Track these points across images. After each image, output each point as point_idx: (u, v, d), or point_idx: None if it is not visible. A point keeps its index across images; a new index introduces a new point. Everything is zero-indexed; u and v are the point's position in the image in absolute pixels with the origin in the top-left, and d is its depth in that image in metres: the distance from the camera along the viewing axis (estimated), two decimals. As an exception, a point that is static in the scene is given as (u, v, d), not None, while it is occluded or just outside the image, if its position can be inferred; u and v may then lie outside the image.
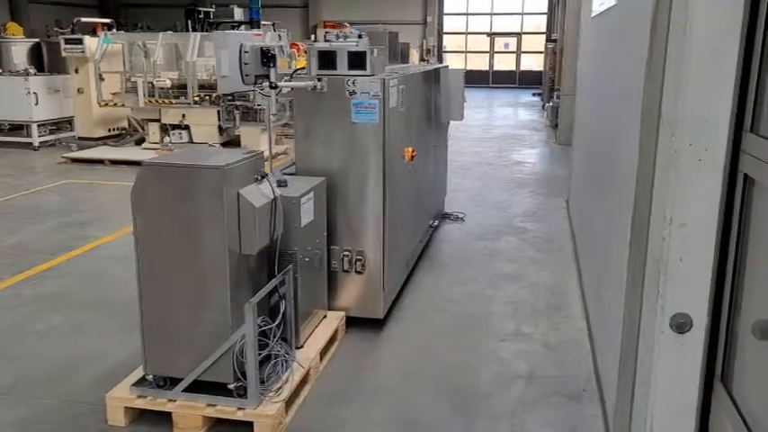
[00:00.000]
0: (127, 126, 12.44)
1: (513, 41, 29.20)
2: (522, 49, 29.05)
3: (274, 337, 3.45)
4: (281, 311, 3.50)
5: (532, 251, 6.28)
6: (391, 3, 31.23)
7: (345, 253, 4.32)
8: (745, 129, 2.05)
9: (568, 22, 12.48)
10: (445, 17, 29.46)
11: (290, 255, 3.63)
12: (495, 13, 29.14)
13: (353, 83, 4.10)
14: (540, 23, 28.52)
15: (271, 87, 4.10)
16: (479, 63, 29.53)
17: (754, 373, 2.07)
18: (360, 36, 5.61)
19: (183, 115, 10.98)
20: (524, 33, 28.93)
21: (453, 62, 26.63)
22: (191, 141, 11.09)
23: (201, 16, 19.21)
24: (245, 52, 4.03)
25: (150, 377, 3.35)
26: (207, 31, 17.24)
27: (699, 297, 2.24)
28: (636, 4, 3.35)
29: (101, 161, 10.74)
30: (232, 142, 11.20)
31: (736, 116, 2.09)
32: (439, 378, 3.88)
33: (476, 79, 28.58)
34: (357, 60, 4.13)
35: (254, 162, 3.35)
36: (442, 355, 4.17)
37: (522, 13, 28.83)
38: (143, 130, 11.62)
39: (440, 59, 26.61)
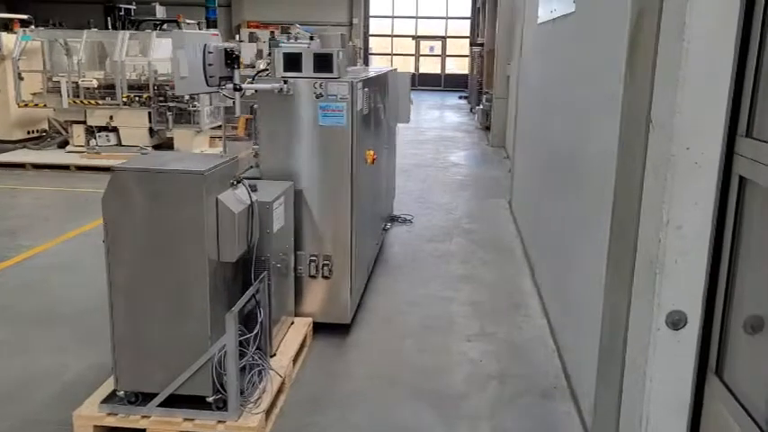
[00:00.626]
0: (48, 128, 11.83)
1: (437, 45, 29.64)
2: (447, 53, 29.52)
3: (250, 347, 3.36)
4: (260, 320, 3.41)
5: (482, 252, 6.38)
6: (317, 4, 31.06)
7: (312, 258, 4.26)
8: (740, 133, 2.15)
9: (500, 28, 12.76)
10: (371, 19, 29.57)
11: (263, 261, 3.55)
12: (420, 17, 29.49)
13: (321, 85, 4.05)
14: (464, 28, 29.05)
15: (235, 89, 3.99)
16: (404, 66, 29.77)
17: (746, 364, 2.18)
18: (311, 38, 5.57)
19: (111, 117, 10.54)
20: (449, 37, 29.41)
21: (378, 65, 26.74)
22: (119, 144, 10.67)
23: (122, 14, 18.53)
24: (209, 53, 3.90)
25: (121, 393, 3.19)
26: (128, 29, 16.64)
27: (693, 295, 2.33)
28: (605, 10, 3.46)
29: (21, 165, 10.15)
30: (163, 145, 10.85)
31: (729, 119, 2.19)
32: (413, 381, 3.88)
33: (401, 82, 28.82)
34: (323, 63, 4.08)
35: (230, 167, 3.25)
36: (412, 358, 4.18)
37: (447, 17, 29.31)
38: (66, 132, 11.08)
39: (366, 62, 26.70)
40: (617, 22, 3.24)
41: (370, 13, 29.64)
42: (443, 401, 3.66)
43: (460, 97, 24.78)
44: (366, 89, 4.48)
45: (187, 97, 10.08)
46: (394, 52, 30.00)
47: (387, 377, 3.92)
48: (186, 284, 3.03)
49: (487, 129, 14.66)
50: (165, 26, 18.16)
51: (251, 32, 22.54)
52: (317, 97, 4.07)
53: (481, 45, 21.85)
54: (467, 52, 28.70)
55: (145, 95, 10.32)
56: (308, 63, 4.10)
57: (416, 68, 29.86)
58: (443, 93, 27.81)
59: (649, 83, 2.49)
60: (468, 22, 28.73)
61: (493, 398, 3.72)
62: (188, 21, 17.59)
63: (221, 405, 3.16)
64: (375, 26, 29.88)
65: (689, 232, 2.28)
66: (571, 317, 4.04)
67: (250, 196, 3.26)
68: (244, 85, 4.00)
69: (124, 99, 10.33)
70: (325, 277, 4.28)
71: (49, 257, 5.97)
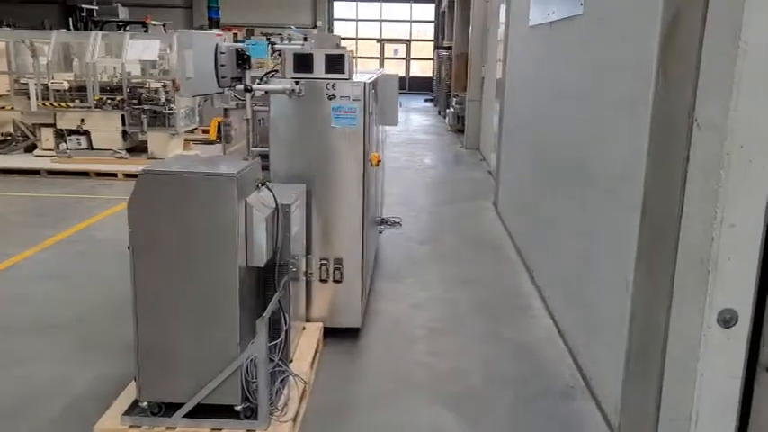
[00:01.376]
0: (12, 131, 11.43)
1: (402, 48, 29.72)
2: (412, 56, 29.62)
3: (275, 353, 3.29)
4: (286, 326, 3.33)
5: (475, 254, 6.39)
6: (280, 6, 30.87)
7: (323, 261, 4.19)
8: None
9: (473, 33, 12.84)
10: (335, 22, 29.50)
11: (284, 265, 3.47)
12: (384, 20, 29.53)
13: (333, 86, 3.99)
14: (429, 31, 29.22)
15: (246, 90, 3.90)
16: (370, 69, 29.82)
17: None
18: (305, 39, 5.50)
19: (82, 120, 10.24)
20: (413, 40, 29.52)
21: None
22: (90, 148, 10.36)
23: (84, 15, 18.07)
24: (222, 53, 3.81)
25: (144, 404, 3.07)
26: (91, 29, 16.24)
27: (745, 292, 2.36)
28: (622, 12, 3.50)
29: (-12, 170, 9.80)
30: (137, 149, 10.60)
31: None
32: (430, 384, 3.85)
33: (366, 85, 28.84)
34: (335, 64, 4.02)
35: (254, 169, 3.18)
36: (426, 361, 4.14)
37: (411, 21, 29.42)
38: (34, 135, 10.74)
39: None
40: (638, 24, 3.28)
41: (335, 16, 29.58)
42: (464, 403, 3.64)
43: (426, 100, 24.90)
44: (373, 91, 4.44)
45: (163, 99, 9.88)
46: (359, 55, 29.93)
47: (403, 381, 3.88)
48: (215, 290, 2.94)
49: (459, 131, 14.75)
50: (128, 27, 17.82)
51: (268, 35, 22.29)
52: (330, 98, 4.01)
53: (448, 48, 22.03)
54: (431, 55, 28.93)
55: (118, 98, 10.06)
56: (319, 64, 4.03)
57: (381, 72, 29.89)
58: (408, 96, 27.85)
59: (692, 83, 2.51)
60: (433, 25, 28.93)
61: (513, 398, 3.71)
62: (154, 22, 17.27)
63: (249, 414, 3.08)
64: (340, 29, 29.79)
65: (742, 230, 2.31)
66: (585, 317, 4.06)
67: (275, 199, 3.19)
68: (254, 86, 3.91)
69: (96, 101, 10.06)
70: (336, 281, 4.22)
71: (33, 266, 5.75)
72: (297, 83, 3.96)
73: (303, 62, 4.03)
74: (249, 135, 4.22)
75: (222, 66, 3.82)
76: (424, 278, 5.61)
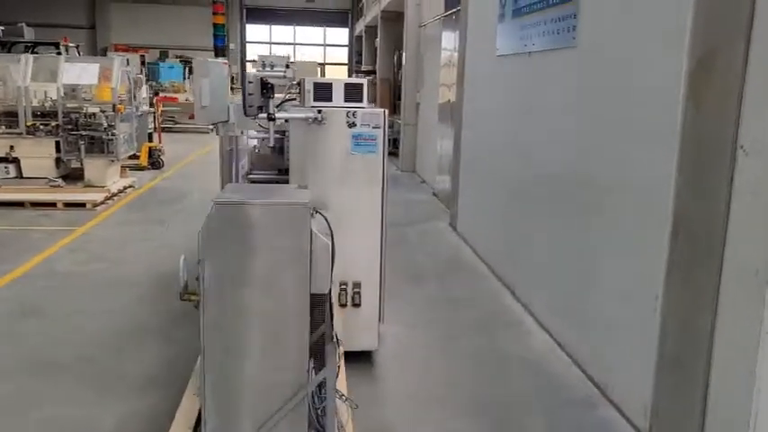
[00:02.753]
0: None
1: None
2: (326, 80, 29.86)
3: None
4: (338, 350, 3.38)
5: (449, 273, 6.60)
6: (184, 28, 30.42)
7: (342, 286, 4.26)
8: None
9: (408, 59, 13.18)
10: (248, 45, 29.32)
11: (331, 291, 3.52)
12: (297, 43, 29.65)
13: (354, 114, 4.09)
14: (342, 55, 29.61)
15: (269, 119, 3.94)
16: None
17: None
18: (287, 66, 5.58)
19: (12, 147, 9.72)
20: (328, 64, 29.79)
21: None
22: (20, 176, 9.83)
23: (-12, 36, 17.11)
24: (250, 82, 3.85)
25: (209, 438, 3.03)
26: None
27: (796, 299, 2.67)
28: (626, 48, 3.83)
29: None
30: (70, 176, 10.15)
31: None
32: (455, 398, 3.99)
33: (281, 108, 28.79)
34: (353, 92, 4.14)
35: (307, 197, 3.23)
36: (446, 377, 4.28)
37: (325, 45, 29.70)
38: (-45, 164, 10.05)
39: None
40: (628, 54, 3.63)
41: (247, 39, 29.39)
42: (503, 418, 3.80)
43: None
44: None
45: (105, 125, 9.55)
46: (272, 78, 29.86)
47: (431, 398, 4.00)
48: (287, 319, 2.96)
49: (392, 154, 15.04)
50: (37, 49, 17.02)
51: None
52: (350, 126, 4.11)
53: (369, 73, 22.46)
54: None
55: (53, 123, 9.62)
56: (338, 92, 4.14)
57: (295, 95, 29.92)
58: (324, 119, 28.06)
59: (734, 113, 2.82)
60: (347, 49, 29.34)
61: (541, 409, 3.91)
62: (70, 44, 16.61)
63: (314, 441, 3.10)
64: (252, 52, 29.64)
65: (795, 243, 2.63)
66: (588, 331, 4.34)
67: (329, 226, 3.25)
68: (278, 115, 3.96)
69: (27, 127, 9.58)
70: (355, 305, 4.28)
71: (4, 303, 5.43)
72: (319, 111, 4.04)
73: (323, 91, 4.12)
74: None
75: (250, 95, 3.86)
76: (406, 298, 5.72)
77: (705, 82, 3.07)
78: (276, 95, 4.05)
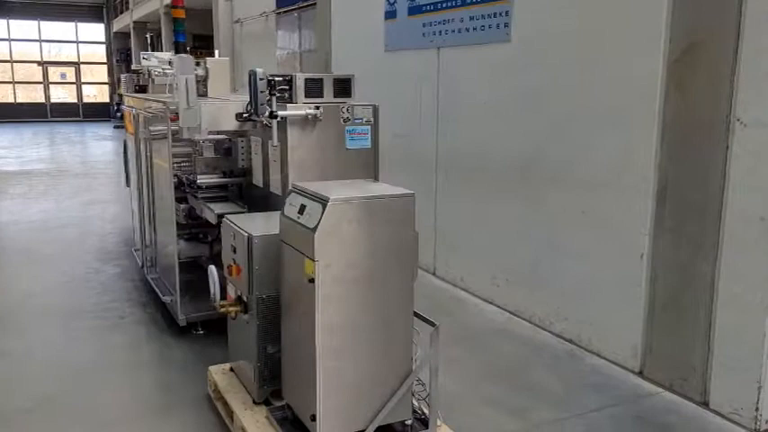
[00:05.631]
0: None
1: (71, 71, 27.19)
2: (83, 80, 27.31)
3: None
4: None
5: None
6: None
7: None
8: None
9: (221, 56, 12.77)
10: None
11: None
12: (45, 40, 26.64)
13: (348, 110, 4.12)
14: (100, 52, 27.32)
15: (271, 117, 3.82)
16: (33, 95, 26.62)
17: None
18: (170, 63, 5.36)
19: None
20: (84, 63, 27.25)
21: None
22: None
23: None
24: (260, 80, 3.69)
25: (325, 442, 2.95)
26: None
27: (788, 238, 3.42)
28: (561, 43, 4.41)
29: None
30: None
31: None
32: (477, 366, 4.27)
33: (31, 113, 25.84)
34: (343, 87, 4.15)
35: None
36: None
37: (78, 41, 27.11)
38: None
39: None
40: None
41: (-19, 35, 25.74)
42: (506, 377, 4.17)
43: (116, 127, 23.36)
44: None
45: None
46: (17, 80, 26.52)
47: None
48: (395, 310, 3.00)
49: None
50: None
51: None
52: (344, 121, 4.13)
53: (138, 72, 21.06)
54: (106, 79, 27.15)
55: None
56: (328, 88, 4.12)
57: (47, 98, 26.92)
58: (83, 124, 25.66)
59: (727, 94, 3.50)
60: (105, 47, 27.15)
61: (541, 365, 4.35)
62: None
63: (415, 426, 3.17)
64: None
65: (790, 194, 3.37)
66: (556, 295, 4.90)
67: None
68: (280, 113, 3.85)
69: None
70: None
71: None
72: (317, 107, 4.00)
73: (314, 87, 4.07)
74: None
75: (261, 92, 3.71)
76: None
77: (690, 70, 3.74)
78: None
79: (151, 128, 5.48)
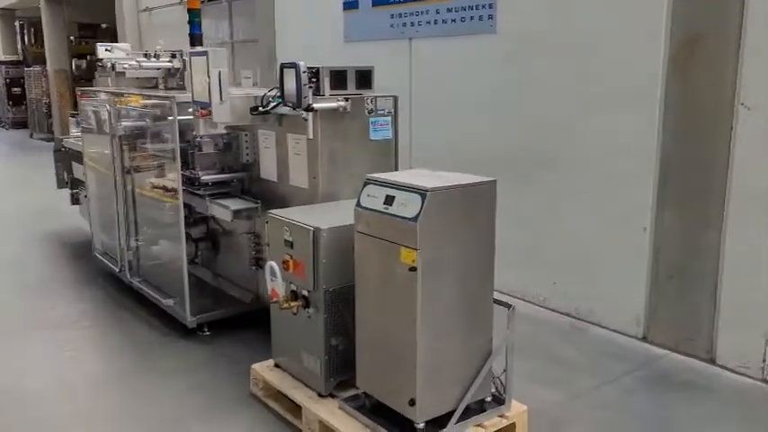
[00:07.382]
0: None
1: None
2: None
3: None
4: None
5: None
6: None
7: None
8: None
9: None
10: None
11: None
12: None
13: (372, 101, 4.15)
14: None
15: (307, 110, 3.79)
16: None
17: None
18: (174, 56, 5.22)
19: None
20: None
21: None
22: None
23: None
24: (303, 72, 3.65)
25: (421, 425, 3.02)
26: None
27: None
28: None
29: None
30: None
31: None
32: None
33: None
34: (365, 79, 4.17)
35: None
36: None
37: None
38: None
39: None
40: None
41: None
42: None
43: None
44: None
45: None
46: None
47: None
48: (479, 293, 3.12)
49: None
50: None
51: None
52: (369, 113, 4.15)
53: (16, 63, 19.70)
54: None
55: None
56: (351, 80, 4.12)
57: None
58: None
59: (731, 80, 3.89)
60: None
61: (555, 335, 4.62)
62: None
63: (494, 403, 3.31)
64: None
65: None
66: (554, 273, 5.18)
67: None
68: (316, 105, 3.82)
69: None
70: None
71: None
72: (346, 99, 4.00)
73: (340, 79, 4.07)
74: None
75: (305, 85, 3.69)
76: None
77: (692, 60, 4.10)
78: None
79: (127, 123, 5.22)
